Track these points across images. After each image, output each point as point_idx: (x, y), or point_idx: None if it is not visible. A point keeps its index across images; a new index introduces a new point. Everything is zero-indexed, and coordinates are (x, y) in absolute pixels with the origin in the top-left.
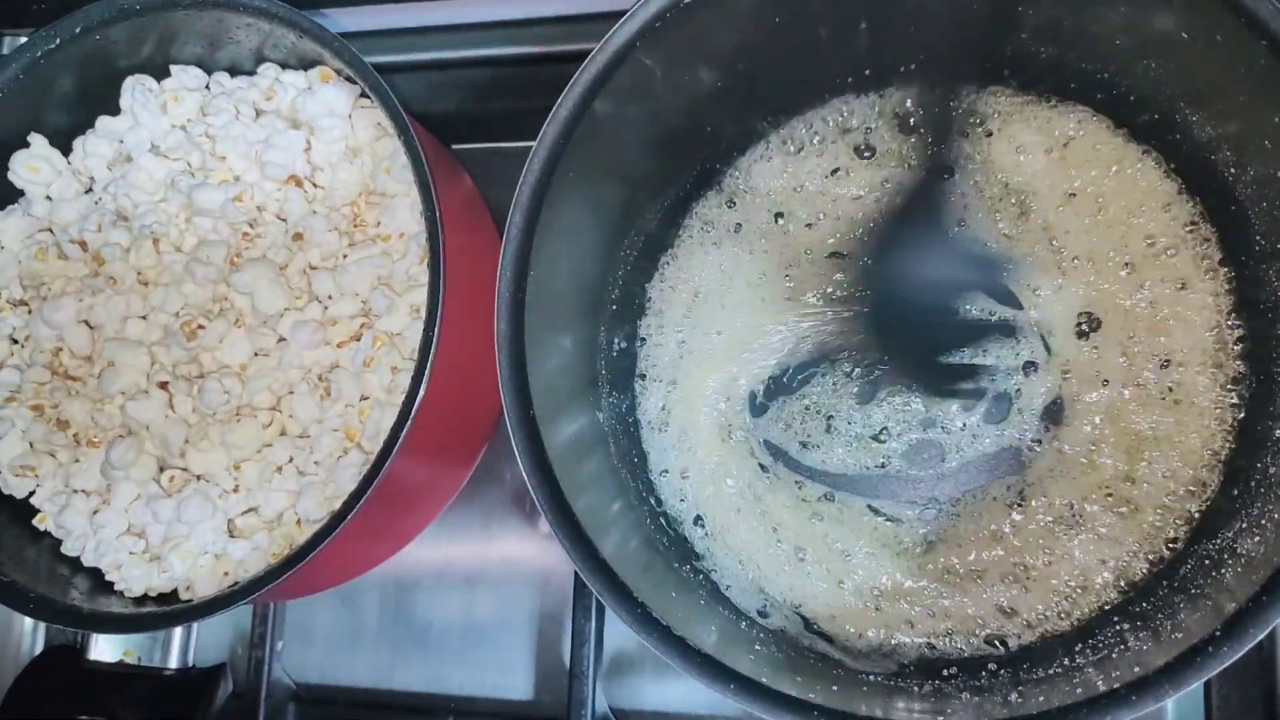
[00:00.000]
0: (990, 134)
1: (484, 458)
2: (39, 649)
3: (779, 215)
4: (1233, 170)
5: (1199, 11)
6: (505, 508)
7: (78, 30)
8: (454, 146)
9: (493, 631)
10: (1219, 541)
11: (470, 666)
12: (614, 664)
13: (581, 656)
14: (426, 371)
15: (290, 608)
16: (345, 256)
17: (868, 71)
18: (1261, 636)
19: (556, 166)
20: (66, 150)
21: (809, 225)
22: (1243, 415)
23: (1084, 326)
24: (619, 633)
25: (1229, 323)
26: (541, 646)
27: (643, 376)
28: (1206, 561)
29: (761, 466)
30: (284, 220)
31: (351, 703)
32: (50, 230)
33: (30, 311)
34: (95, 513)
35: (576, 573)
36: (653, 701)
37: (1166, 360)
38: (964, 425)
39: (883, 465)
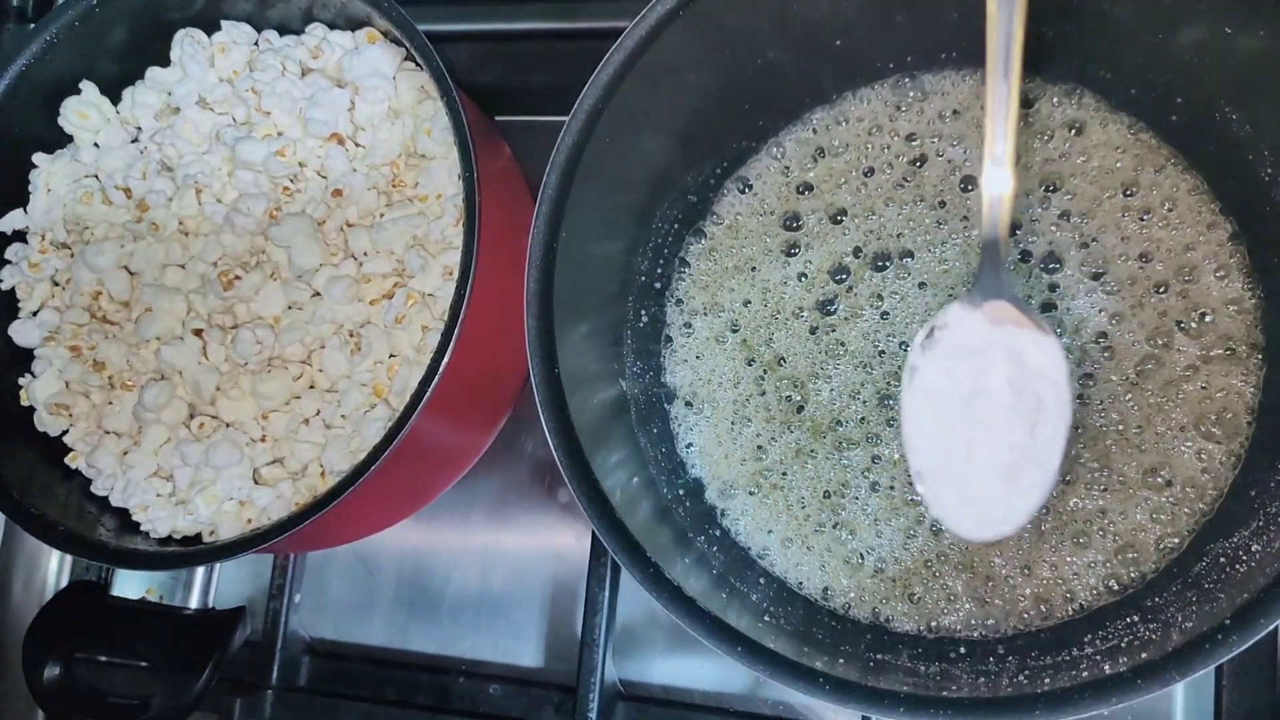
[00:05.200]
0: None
1: (506, 431)
2: (64, 584)
3: (807, 187)
4: (1269, 170)
5: (1244, 3)
6: (525, 480)
7: None
8: (494, 119)
9: (506, 600)
10: (1235, 540)
11: (483, 633)
12: (624, 639)
13: (594, 625)
14: (456, 331)
15: (309, 567)
16: (382, 215)
17: (909, 58)
18: (1272, 627)
19: (594, 129)
20: (116, 99)
21: (848, 210)
22: (1260, 418)
23: (1104, 337)
24: (630, 607)
25: (1253, 330)
26: (554, 618)
27: (669, 344)
28: (1221, 559)
29: (787, 439)
30: (324, 177)
31: (364, 659)
32: (96, 176)
33: (72, 255)
34: (125, 454)
35: (592, 540)
36: (661, 676)
37: (1189, 366)
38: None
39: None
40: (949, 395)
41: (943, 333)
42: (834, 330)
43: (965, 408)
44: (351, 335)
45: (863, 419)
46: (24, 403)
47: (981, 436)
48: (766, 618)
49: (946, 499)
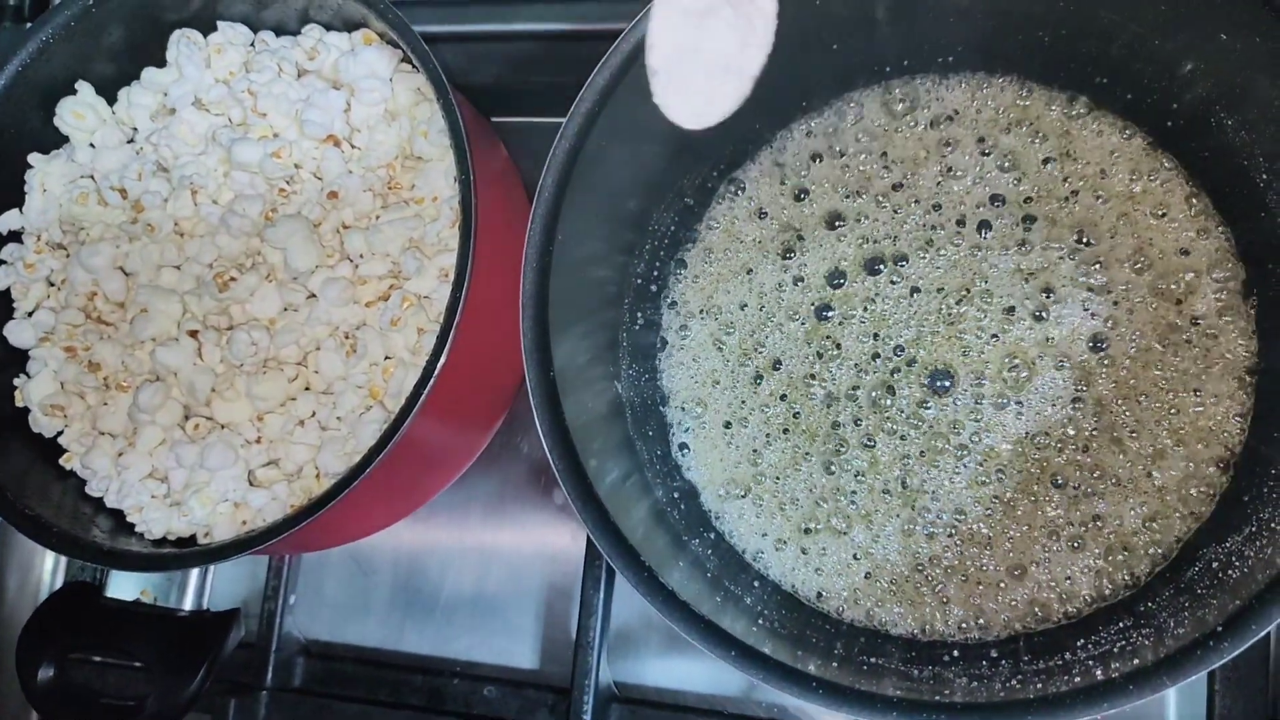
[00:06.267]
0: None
1: (502, 432)
2: (58, 585)
3: (803, 191)
4: (1264, 176)
5: (1240, 10)
6: (520, 481)
7: None
8: (491, 119)
9: (502, 602)
10: (1228, 545)
11: (478, 634)
12: (618, 641)
13: (589, 627)
14: (451, 333)
15: (304, 568)
16: (378, 217)
17: (905, 62)
18: (1263, 633)
19: (591, 132)
20: (112, 100)
21: (843, 214)
22: (1253, 425)
23: (1098, 343)
24: (625, 610)
25: (1247, 335)
26: (549, 620)
27: (664, 347)
28: (1214, 564)
29: (782, 442)
30: (320, 179)
31: (359, 660)
32: (92, 177)
33: (68, 256)
34: (120, 455)
35: (587, 544)
36: (655, 678)
37: (1183, 371)
38: (985, 420)
39: (905, 440)
40: (688, 12)
41: None
42: (829, 334)
43: (698, 24)
44: (347, 337)
45: (858, 421)
46: (19, 403)
47: (705, 46)
48: (760, 621)
49: (671, 93)
